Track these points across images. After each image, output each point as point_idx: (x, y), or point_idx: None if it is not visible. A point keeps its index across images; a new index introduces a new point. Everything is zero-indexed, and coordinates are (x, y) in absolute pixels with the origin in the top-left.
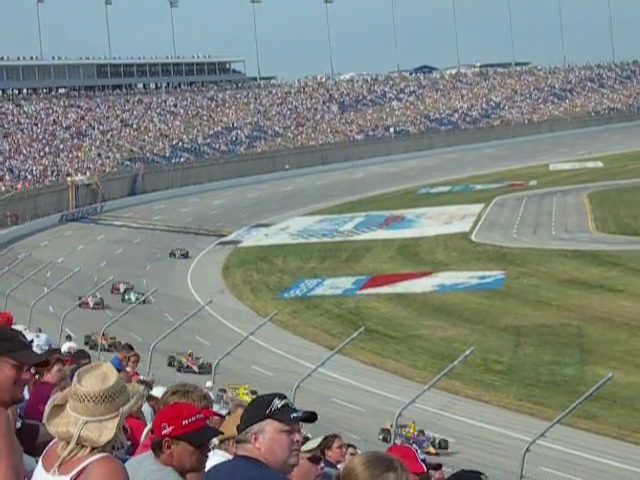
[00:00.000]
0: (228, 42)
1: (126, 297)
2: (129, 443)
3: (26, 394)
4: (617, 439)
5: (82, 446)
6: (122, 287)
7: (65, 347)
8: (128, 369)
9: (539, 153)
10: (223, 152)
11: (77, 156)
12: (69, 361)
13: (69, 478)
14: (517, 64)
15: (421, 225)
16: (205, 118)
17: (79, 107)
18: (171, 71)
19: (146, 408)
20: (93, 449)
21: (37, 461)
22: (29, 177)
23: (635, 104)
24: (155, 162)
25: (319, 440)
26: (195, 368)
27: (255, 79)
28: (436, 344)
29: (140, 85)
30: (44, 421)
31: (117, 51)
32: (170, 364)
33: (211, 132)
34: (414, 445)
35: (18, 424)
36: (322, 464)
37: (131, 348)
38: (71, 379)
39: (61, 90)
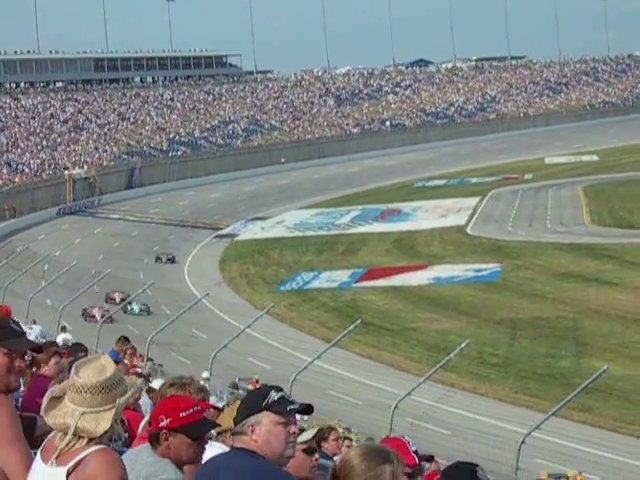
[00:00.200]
0: (225, 36)
1: (129, 308)
2: (126, 435)
3: (21, 386)
4: (612, 431)
5: (79, 437)
6: (117, 297)
7: (60, 338)
8: (125, 361)
9: (534, 147)
10: (220, 146)
11: (74, 150)
12: (66, 354)
13: (66, 469)
14: (513, 58)
15: (417, 218)
16: (202, 112)
17: (76, 101)
18: (168, 65)
19: (145, 400)
20: (90, 441)
21: (35, 453)
22: (26, 170)
23: (630, 98)
24: (152, 155)
25: (314, 432)
26: None
27: (252, 73)
28: (432, 337)
29: (137, 79)
30: (42, 413)
31: (114, 45)
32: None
33: (208, 126)
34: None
35: None
36: (317, 455)
37: (127, 340)
38: (69, 372)
39: (58, 84)
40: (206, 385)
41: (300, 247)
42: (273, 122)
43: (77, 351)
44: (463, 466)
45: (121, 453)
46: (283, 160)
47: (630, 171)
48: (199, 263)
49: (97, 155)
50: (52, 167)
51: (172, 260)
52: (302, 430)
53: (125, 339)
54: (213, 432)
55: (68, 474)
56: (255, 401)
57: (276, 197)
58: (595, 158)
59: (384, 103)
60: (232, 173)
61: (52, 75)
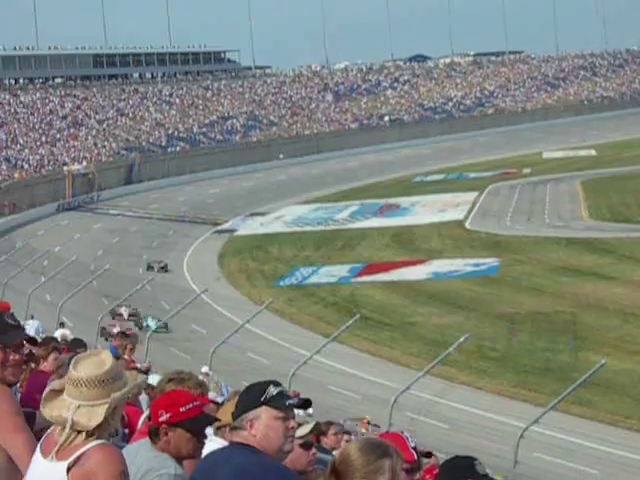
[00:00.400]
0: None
1: (144, 324)
2: (126, 431)
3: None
4: (610, 425)
5: (79, 432)
6: (125, 312)
7: (58, 333)
8: (125, 357)
9: (533, 141)
10: (218, 141)
11: (73, 145)
12: (65, 350)
13: (67, 464)
14: (511, 53)
15: (416, 213)
16: (201, 107)
17: (75, 97)
18: (167, 61)
19: (142, 396)
20: (90, 436)
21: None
22: (26, 166)
23: (628, 92)
24: (151, 151)
25: (310, 426)
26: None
27: (250, 68)
28: (431, 331)
29: (136, 75)
30: (40, 406)
31: (113, 41)
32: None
33: (206, 121)
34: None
35: None
36: (314, 450)
37: (127, 336)
38: (69, 367)
39: (57, 80)
40: (205, 380)
41: (299, 242)
42: (272, 117)
43: (76, 347)
44: (462, 460)
45: (121, 448)
46: (281, 156)
47: (628, 165)
48: (198, 258)
49: (96, 151)
50: (51, 163)
51: (165, 269)
52: (299, 425)
53: (124, 334)
54: (213, 427)
55: (68, 469)
56: (254, 396)
57: (275, 192)
58: (593, 153)
59: (382, 98)
60: (231, 168)
61: (51, 71)
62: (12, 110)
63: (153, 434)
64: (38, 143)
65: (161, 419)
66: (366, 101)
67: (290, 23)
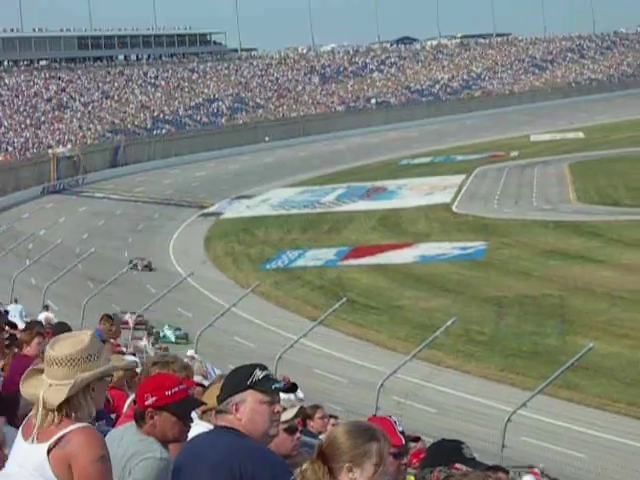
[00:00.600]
0: (209, 14)
1: (160, 335)
2: (112, 416)
3: None
4: (598, 409)
5: (55, 413)
6: (130, 319)
7: (42, 316)
8: (111, 340)
9: (520, 124)
10: (204, 124)
11: (58, 128)
12: (51, 334)
13: (47, 446)
14: (498, 35)
15: (402, 196)
16: (186, 90)
17: (60, 79)
18: (152, 43)
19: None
20: (67, 417)
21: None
22: (10, 149)
23: (616, 75)
24: (136, 134)
25: (295, 410)
26: None
27: (236, 51)
28: (418, 315)
29: (121, 57)
30: (20, 384)
31: (98, 23)
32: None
33: (192, 104)
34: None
35: None
36: (298, 434)
37: (111, 319)
38: None
39: (42, 62)
40: (191, 363)
41: (285, 225)
42: (258, 100)
43: (61, 330)
44: (449, 443)
45: (106, 432)
46: (267, 139)
47: (616, 148)
48: (184, 241)
49: (81, 133)
50: (36, 146)
51: (149, 267)
52: (283, 409)
53: (109, 317)
54: (198, 411)
55: (49, 451)
56: (240, 379)
57: (261, 175)
58: (581, 135)
59: (369, 81)
60: (217, 151)
61: (36, 53)
62: None
63: (139, 418)
64: (23, 126)
65: (147, 403)
66: (353, 84)
67: (276, 5)
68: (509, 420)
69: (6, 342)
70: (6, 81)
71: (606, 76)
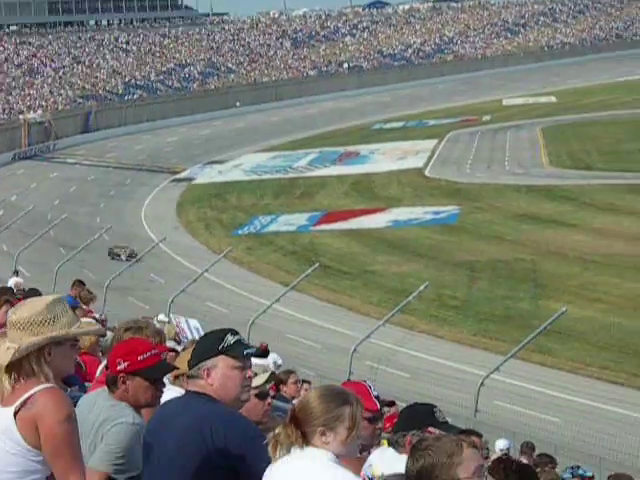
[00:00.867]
0: None
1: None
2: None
3: None
4: (571, 373)
5: (6, 376)
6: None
7: (11, 282)
8: (83, 306)
9: (492, 88)
10: (176, 89)
11: (29, 94)
12: (21, 300)
13: (14, 409)
14: None
15: (375, 161)
16: (158, 55)
17: (30, 44)
18: (123, 8)
19: None
20: (26, 380)
21: None
22: None
23: (588, 39)
24: (108, 99)
25: (266, 376)
26: None
27: (207, 15)
28: (390, 280)
29: (92, 22)
30: None
31: None
32: None
33: (164, 69)
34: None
35: None
36: (269, 400)
37: (83, 284)
38: None
39: (12, 27)
40: (163, 327)
41: (257, 190)
42: (230, 65)
43: (31, 297)
44: (421, 407)
45: (78, 398)
46: (238, 104)
47: (589, 112)
48: (156, 207)
49: (52, 99)
50: (7, 112)
51: (133, 255)
52: (254, 374)
53: (80, 283)
54: (170, 376)
55: (15, 413)
56: (211, 345)
57: (233, 140)
58: (553, 99)
59: (341, 45)
60: (189, 116)
61: (5, 18)
62: None
63: (111, 383)
64: None
65: (119, 368)
66: (325, 48)
67: None
68: (482, 384)
69: None
70: None
71: (578, 40)
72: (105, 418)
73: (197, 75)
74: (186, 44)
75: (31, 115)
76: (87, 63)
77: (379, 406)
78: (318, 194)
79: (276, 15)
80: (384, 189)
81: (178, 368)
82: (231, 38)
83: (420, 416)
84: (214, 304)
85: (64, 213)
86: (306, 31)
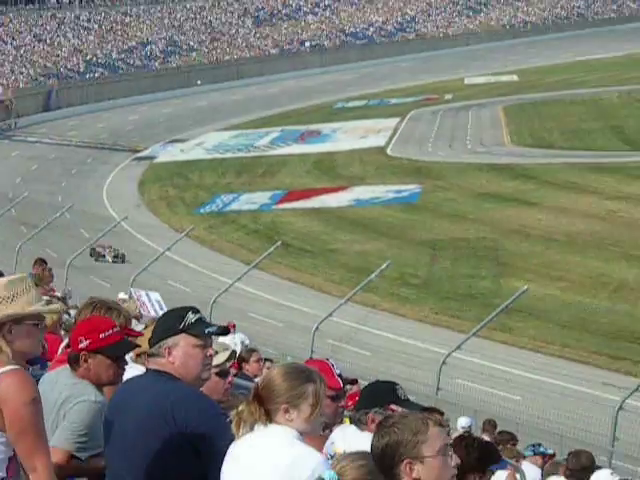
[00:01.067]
0: None
1: None
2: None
3: None
4: (533, 351)
5: None
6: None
7: None
8: (45, 285)
9: (454, 67)
10: (137, 67)
11: None
12: None
13: None
14: None
15: (337, 139)
16: (119, 33)
17: None
18: None
19: None
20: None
21: None
22: None
23: (550, 17)
24: (69, 77)
25: (227, 354)
26: None
27: None
28: (352, 258)
29: (53, 0)
30: None
31: None
32: None
33: (125, 47)
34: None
35: None
36: (230, 378)
37: (45, 262)
38: None
39: None
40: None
41: (219, 169)
42: (191, 43)
43: None
44: (383, 385)
45: (40, 376)
46: (199, 82)
47: (550, 91)
48: (118, 185)
49: (13, 77)
50: None
51: (120, 257)
52: (215, 353)
53: (42, 261)
54: (132, 354)
55: None
56: (172, 323)
57: (195, 119)
58: (515, 78)
59: (303, 24)
60: (150, 95)
61: None
62: None
63: (73, 361)
64: None
65: (81, 346)
66: (287, 27)
67: None
68: (444, 363)
69: None
70: None
71: (540, 19)
72: (67, 396)
73: (159, 53)
74: (147, 22)
75: None
76: (48, 41)
77: (342, 384)
78: (280, 173)
79: None
80: (346, 168)
81: (140, 346)
82: (192, 16)
83: (382, 394)
84: (176, 283)
85: (25, 192)
86: (268, 9)
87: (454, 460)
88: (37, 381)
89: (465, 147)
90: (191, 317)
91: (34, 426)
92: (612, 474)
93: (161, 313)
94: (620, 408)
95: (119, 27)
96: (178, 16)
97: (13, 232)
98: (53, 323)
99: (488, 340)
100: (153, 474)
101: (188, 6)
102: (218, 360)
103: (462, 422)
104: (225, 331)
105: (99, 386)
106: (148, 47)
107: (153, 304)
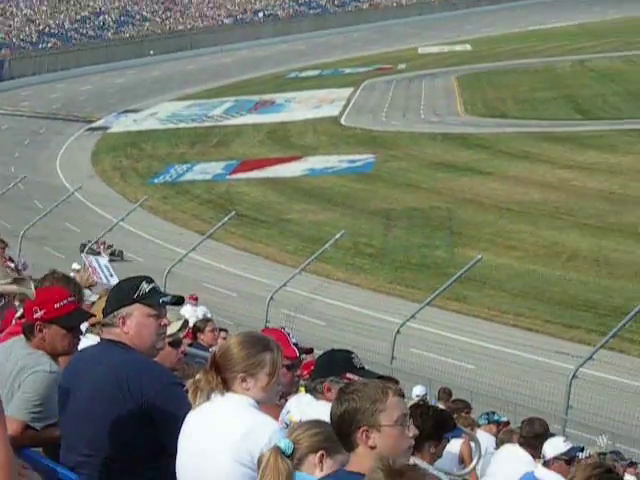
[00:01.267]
0: None
1: None
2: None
3: None
4: (487, 320)
5: None
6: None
7: None
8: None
9: (408, 36)
10: (90, 37)
11: None
12: None
13: None
14: None
15: (291, 109)
16: (72, 3)
17: None
18: None
19: None
20: None
21: None
22: None
23: None
24: (22, 48)
25: (179, 324)
26: None
27: None
28: (307, 228)
29: None
30: None
31: None
32: None
33: (78, 17)
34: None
35: None
36: (183, 347)
37: None
38: None
39: None
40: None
41: (173, 139)
42: (144, 13)
43: None
44: (339, 353)
45: None
46: (152, 52)
47: (504, 60)
48: (71, 156)
49: None
50: None
51: (117, 254)
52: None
53: None
54: (87, 324)
55: None
56: (126, 292)
57: (148, 89)
58: (468, 48)
59: None
60: (103, 65)
61: None
62: None
63: (27, 331)
64: None
65: (35, 316)
66: None
67: None
68: (398, 332)
69: None
70: None
71: None
72: (22, 366)
73: (112, 23)
74: None
75: None
76: (0, 11)
77: (298, 353)
78: (234, 143)
79: None
80: (300, 138)
81: (95, 316)
82: None
83: (338, 362)
84: (130, 253)
85: None
86: None
87: (412, 431)
88: None
89: (419, 117)
90: (145, 287)
91: None
92: (565, 441)
93: (110, 279)
94: (574, 376)
95: None
96: None
97: None
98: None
99: (442, 309)
100: (108, 443)
101: None
102: (171, 330)
103: (417, 391)
104: (180, 300)
105: (54, 356)
106: (101, 17)
107: (102, 270)
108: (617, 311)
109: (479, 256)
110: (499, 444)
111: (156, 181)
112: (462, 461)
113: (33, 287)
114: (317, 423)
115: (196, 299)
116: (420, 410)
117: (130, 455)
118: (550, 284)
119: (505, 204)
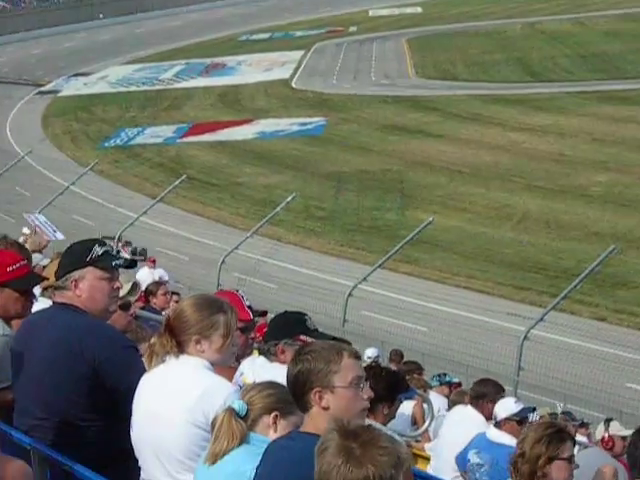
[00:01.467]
0: None
1: None
2: None
3: None
4: (438, 282)
5: None
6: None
7: None
8: None
9: None
10: (39, 0)
11: None
12: None
13: None
14: None
15: (242, 72)
16: None
17: None
18: None
19: None
20: None
21: None
22: None
23: None
24: None
25: (128, 287)
26: None
27: None
28: (258, 191)
29: None
30: None
31: None
32: None
33: None
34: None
35: None
36: (132, 310)
37: None
38: None
39: None
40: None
41: (123, 103)
42: None
43: None
44: (292, 315)
45: None
46: (101, 15)
47: (454, 23)
48: (21, 120)
49: None
50: None
51: (141, 254)
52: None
53: None
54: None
55: None
56: (79, 256)
57: (98, 52)
58: (419, 10)
59: None
60: (53, 28)
61: None
62: None
63: None
64: None
65: None
66: None
67: None
68: (350, 295)
69: None
70: None
71: None
72: None
73: None
74: None
75: None
76: None
77: (252, 316)
78: (185, 106)
79: None
80: (251, 100)
81: (48, 279)
82: None
83: (291, 324)
84: (81, 217)
85: None
86: None
87: (367, 393)
88: None
89: (370, 79)
90: (98, 250)
91: None
92: (516, 402)
93: (55, 234)
94: (525, 338)
95: None
96: None
97: None
98: None
99: (394, 272)
100: (61, 407)
101: None
102: (120, 293)
103: (369, 353)
104: (132, 264)
105: (6, 320)
106: None
107: (46, 227)
108: (568, 273)
109: (430, 218)
110: (451, 405)
111: (107, 145)
112: (415, 422)
113: None
114: (271, 384)
115: (154, 262)
116: (373, 371)
117: (83, 418)
118: (500, 246)
119: (456, 166)
